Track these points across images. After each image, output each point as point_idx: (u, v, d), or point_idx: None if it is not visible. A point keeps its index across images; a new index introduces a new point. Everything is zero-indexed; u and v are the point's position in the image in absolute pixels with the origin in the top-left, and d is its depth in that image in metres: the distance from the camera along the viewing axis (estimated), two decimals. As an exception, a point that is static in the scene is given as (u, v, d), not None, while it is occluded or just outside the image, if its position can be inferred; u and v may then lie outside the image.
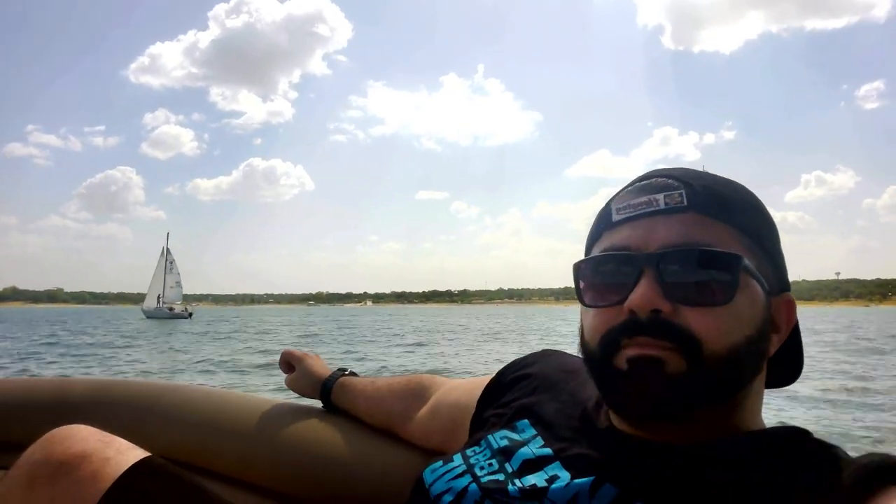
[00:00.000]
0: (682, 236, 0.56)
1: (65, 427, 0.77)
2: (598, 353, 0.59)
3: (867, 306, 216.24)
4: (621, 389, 0.58)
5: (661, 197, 0.58)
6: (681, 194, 0.57)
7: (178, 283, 68.82)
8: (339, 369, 1.15)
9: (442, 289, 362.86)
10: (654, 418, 0.58)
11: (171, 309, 63.70)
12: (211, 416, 1.08)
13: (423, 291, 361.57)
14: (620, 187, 0.65)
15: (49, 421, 0.83)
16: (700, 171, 0.62)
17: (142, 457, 0.76)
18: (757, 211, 0.61)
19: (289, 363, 1.19)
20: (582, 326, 0.63)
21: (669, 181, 0.59)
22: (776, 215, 0.59)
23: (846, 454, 0.52)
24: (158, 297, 66.40)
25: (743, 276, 0.55)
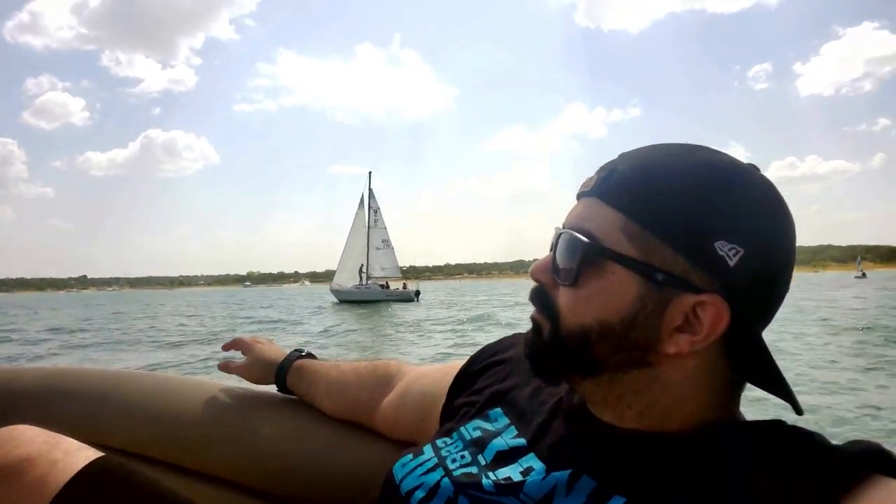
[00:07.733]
0: (576, 218, 0.58)
1: (7, 428, 0.72)
2: None
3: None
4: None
5: (589, 181, 0.59)
6: (595, 179, 0.58)
7: (387, 242, 48.14)
8: (295, 350, 1.07)
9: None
10: (539, 377, 0.64)
11: (383, 286, 44.36)
12: (170, 405, 1.01)
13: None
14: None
15: None
16: (651, 155, 0.56)
17: (93, 458, 0.72)
18: (681, 207, 0.52)
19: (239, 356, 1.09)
20: None
21: (609, 164, 0.58)
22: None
23: (829, 442, 0.51)
24: (361, 269, 46.65)
25: (601, 262, 0.54)
